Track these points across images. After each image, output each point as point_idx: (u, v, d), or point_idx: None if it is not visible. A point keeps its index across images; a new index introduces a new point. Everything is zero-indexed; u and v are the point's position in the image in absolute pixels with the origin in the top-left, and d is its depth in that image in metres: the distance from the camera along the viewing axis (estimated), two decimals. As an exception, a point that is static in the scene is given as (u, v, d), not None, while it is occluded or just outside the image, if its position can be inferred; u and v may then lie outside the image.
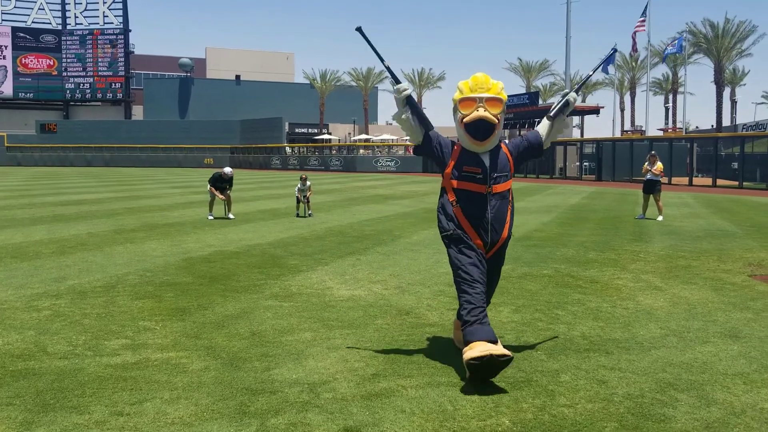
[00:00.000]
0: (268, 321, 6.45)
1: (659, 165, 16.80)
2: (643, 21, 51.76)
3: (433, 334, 6.08)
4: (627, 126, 72.81)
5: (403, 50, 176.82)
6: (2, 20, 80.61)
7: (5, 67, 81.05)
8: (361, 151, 64.91)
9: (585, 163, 45.65)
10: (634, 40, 51.95)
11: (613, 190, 31.39)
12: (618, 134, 64.66)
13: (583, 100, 75.54)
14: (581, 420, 4.13)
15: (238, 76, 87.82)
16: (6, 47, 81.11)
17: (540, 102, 57.32)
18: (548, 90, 79.54)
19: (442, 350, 5.55)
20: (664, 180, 36.56)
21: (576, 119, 68.24)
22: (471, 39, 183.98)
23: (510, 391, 4.62)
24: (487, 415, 4.19)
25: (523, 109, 52.09)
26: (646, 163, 17.16)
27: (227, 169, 16.52)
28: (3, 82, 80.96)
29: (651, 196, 16.94)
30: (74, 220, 15.59)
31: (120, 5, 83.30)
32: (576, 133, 69.25)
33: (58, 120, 79.86)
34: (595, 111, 55.52)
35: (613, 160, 41.34)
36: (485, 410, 4.27)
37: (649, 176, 16.94)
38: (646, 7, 51.20)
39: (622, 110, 75.18)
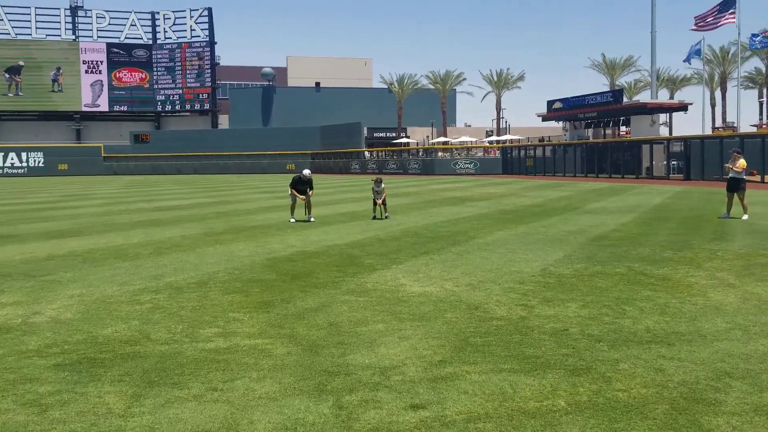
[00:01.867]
0: (344, 314, 6.93)
1: (742, 162, 16.34)
2: (733, 13, 49.64)
3: (500, 326, 6.39)
4: (718, 123, 69.89)
5: (483, 52, 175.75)
6: (98, 37, 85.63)
7: (101, 81, 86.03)
8: (440, 153, 65.14)
9: (673, 162, 44.26)
10: (701, 21, 49.24)
11: (701, 189, 30.42)
12: (708, 131, 62.25)
13: (671, 97, 73.10)
14: (634, 403, 4.38)
15: (318, 83, 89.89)
16: (102, 62, 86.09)
17: (624, 99, 55.94)
18: (633, 87, 77.29)
19: (507, 341, 5.86)
20: (757, 178, 35.22)
21: (663, 117, 66.01)
22: (552, 38, 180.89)
23: (569, 377, 4.90)
24: (544, 397, 4.50)
25: (607, 108, 51.02)
26: (729, 161, 16.73)
27: (306, 171, 17.23)
28: (99, 96, 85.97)
29: (735, 194, 16.50)
30: (168, 224, 16.68)
31: (206, 19, 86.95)
32: (663, 131, 67.01)
33: (150, 130, 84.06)
34: (683, 108, 53.69)
35: (702, 158, 39.91)
36: (543, 393, 4.58)
37: (732, 174, 16.51)
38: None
39: (713, 106, 72.18)
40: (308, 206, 17.08)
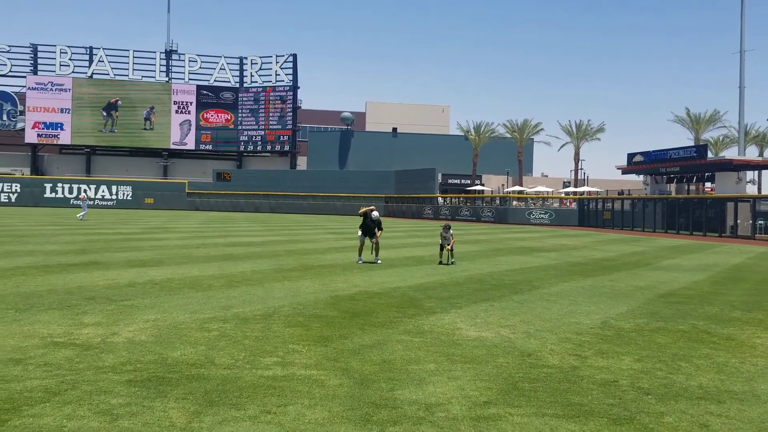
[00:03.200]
0: (398, 352, 7.17)
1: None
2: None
3: (549, 374, 6.47)
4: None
5: (563, 102, 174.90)
6: (189, 79, 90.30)
7: (189, 121, 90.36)
8: (514, 202, 64.76)
9: (759, 222, 42.53)
10: None
11: (785, 250, 29.13)
12: (799, 191, 59.48)
13: (760, 155, 70.50)
14: (673, 455, 4.41)
15: (395, 129, 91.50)
16: (191, 103, 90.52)
17: (709, 155, 54.39)
18: (720, 143, 74.98)
19: (555, 388, 5.95)
20: None
21: (751, 174, 63.68)
22: (635, 90, 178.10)
23: (610, 425, 4.97)
24: (582, 443, 4.60)
25: (690, 163, 49.71)
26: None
27: (375, 213, 17.61)
28: (187, 135, 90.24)
29: (817, 256, 15.84)
30: (241, 259, 17.39)
31: (291, 65, 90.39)
32: (751, 189, 64.50)
33: (232, 169, 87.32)
34: (771, 165, 51.77)
35: (790, 218, 38.25)
36: (582, 439, 4.67)
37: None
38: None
39: (805, 164, 69.03)
40: (376, 248, 17.47)
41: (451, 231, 17.84)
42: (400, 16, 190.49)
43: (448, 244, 17.64)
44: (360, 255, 17.51)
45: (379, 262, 17.23)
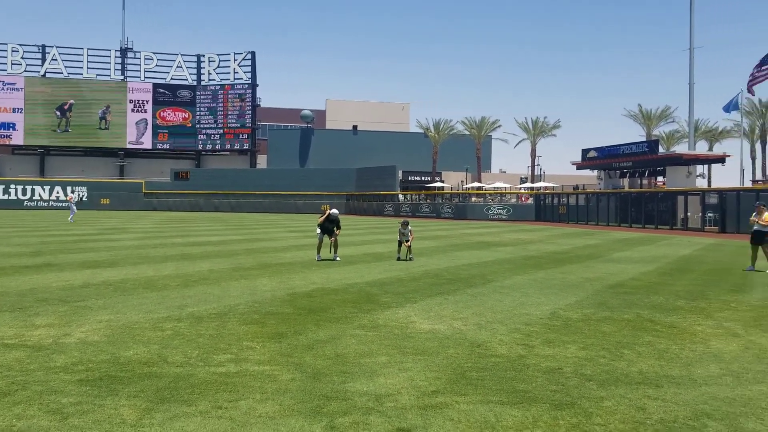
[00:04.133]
0: (351, 346, 7.30)
1: (767, 216, 16.36)
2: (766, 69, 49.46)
3: (497, 363, 6.67)
4: (758, 175, 68.98)
5: (519, 99, 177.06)
6: (145, 77, 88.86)
7: (146, 120, 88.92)
8: (473, 198, 65.45)
9: (709, 214, 43.82)
10: (752, 81, 49.48)
11: (734, 242, 30.09)
12: (747, 184, 61.46)
13: (710, 149, 72.54)
14: (609, 436, 4.64)
15: (355, 126, 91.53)
16: (147, 102, 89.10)
17: (661, 150, 55.75)
18: (671, 138, 76.93)
19: (501, 376, 6.15)
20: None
21: (700, 168, 65.46)
22: (588, 87, 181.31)
23: (552, 410, 5.18)
24: (524, 426, 4.80)
25: (642, 158, 50.93)
26: (754, 214, 16.77)
27: (334, 211, 17.68)
28: (144, 134, 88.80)
29: (760, 247, 16.48)
30: (199, 259, 17.30)
31: (249, 62, 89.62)
32: (701, 183, 66.32)
33: (191, 168, 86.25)
34: (721, 159, 53.28)
35: (738, 211, 39.46)
36: (524, 423, 4.87)
37: (756, 227, 16.52)
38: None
39: (753, 159, 71.38)
40: (335, 246, 17.56)
41: (410, 227, 18.03)
42: (360, 14, 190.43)
43: (407, 241, 17.83)
44: (319, 252, 17.57)
45: (337, 259, 17.32)
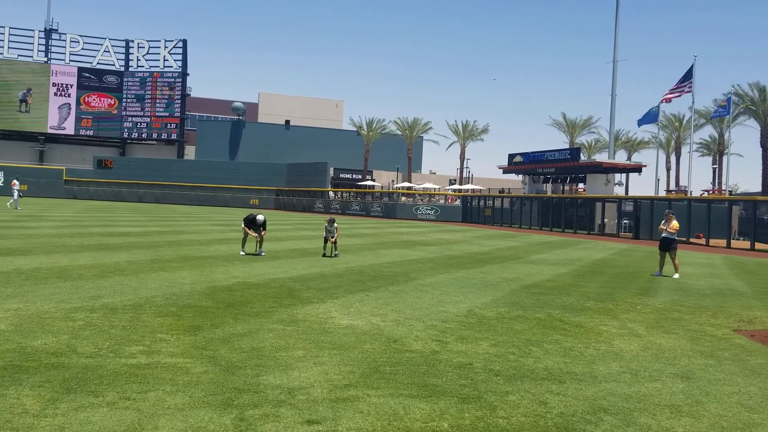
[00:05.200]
0: (268, 340, 7.31)
1: (675, 224, 17.24)
2: (690, 84, 51.99)
3: (411, 358, 6.83)
4: (672, 186, 72.40)
5: (450, 101, 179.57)
6: (70, 60, 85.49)
7: (69, 104, 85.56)
8: (403, 198, 66.04)
9: (624, 221, 45.70)
10: (671, 93, 51.93)
11: (645, 248, 31.50)
12: (662, 193, 64.36)
13: (629, 158, 75.56)
14: (511, 429, 4.86)
15: (287, 121, 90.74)
16: (71, 86, 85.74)
17: (582, 158, 57.73)
18: (592, 146, 79.78)
19: (414, 371, 6.31)
20: (702, 241, 36.66)
21: (619, 177, 68.22)
22: (518, 94, 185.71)
23: (458, 403, 5.36)
24: (431, 419, 4.95)
25: (565, 164, 52.65)
26: (663, 222, 17.62)
27: (260, 216, 17.33)
28: (66, 119, 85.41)
29: (667, 253, 17.33)
30: (117, 250, 16.84)
31: (180, 50, 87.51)
32: (619, 191, 69.06)
33: (115, 156, 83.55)
34: (638, 169, 55.67)
35: (652, 218, 41.29)
36: (431, 415, 5.03)
37: (664, 234, 17.37)
38: (690, 69, 51.62)
39: (668, 170, 74.82)
40: (260, 240, 17.42)
41: (336, 225, 18.08)
42: (296, 8, 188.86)
43: (332, 237, 17.87)
44: (243, 247, 17.41)
45: (262, 253, 17.20)
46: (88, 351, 6.42)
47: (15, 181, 42.73)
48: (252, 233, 17.20)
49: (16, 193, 41.21)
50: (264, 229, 17.46)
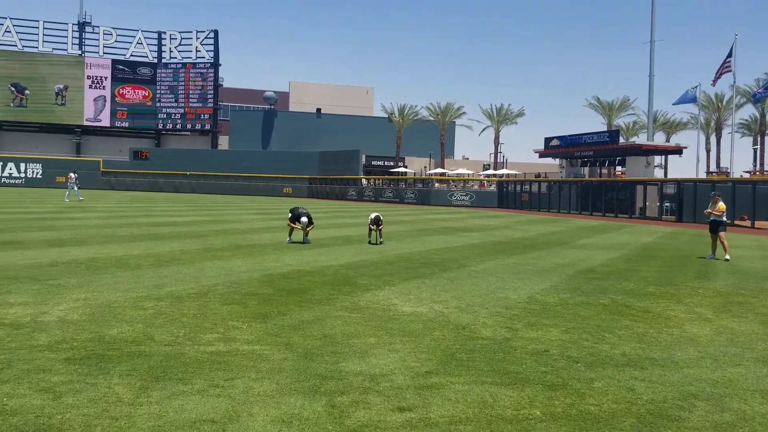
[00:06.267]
0: (338, 327, 7.30)
1: (721, 205, 16.95)
2: (729, 62, 50.78)
3: (484, 345, 6.76)
4: (712, 167, 70.94)
5: (483, 86, 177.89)
6: (104, 53, 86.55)
7: (104, 97, 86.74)
8: (436, 184, 65.76)
9: (666, 204, 44.90)
10: (717, 74, 50.76)
11: (692, 231, 30.94)
12: (702, 175, 63.14)
13: (667, 140, 74.15)
14: (604, 416, 4.76)
15: (319, 109, 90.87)
16: (106, 78, 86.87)
17: (621, 140, 56.78)
18: (630, 128, 78.38)
19: (490, 358, 6.23)
20: (747, 223, 35.85)
21: (658, 159, 66.95)
22: (552, 76, 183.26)
23: (545, 391, 5.28)
24: (521, 407, 4.88)
25: (603, 147, 51.83)
26: (710, 204, 17.33)
27: (303, 219, 17.02)
28: (102, 111, 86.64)
29: (717, 235, 17.00)
30: (167, 239, 17.03)
31: (212, 40, 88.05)
32: (658, 173, 67.87)
33: (150, 148, 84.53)
34: (678, 151, 54.53)
35: (695, 201, 40.52)
36: (521, 403, 4.96)
37: (712, 217, 17.06)
38: (732, 47, 50.36)
39: (708, 151, 73.31)
40: (306, 232, 17.40)
41: (381, 220, 17.90)
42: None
43: (378, 227, 17.78)
44: (290, 235, 17.46)
45: (308, 241, 17.23)
46: (166, 339, 6.47)
47: (72, 174, 43.45)
48: (297, 227, 17.16)
49: (76, 187, 42.04)
50: (311, 224, 17.34)
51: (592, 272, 13.15)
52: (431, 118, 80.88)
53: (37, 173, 76.33)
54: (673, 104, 54.86)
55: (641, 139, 71.75)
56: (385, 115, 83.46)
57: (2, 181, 75.04)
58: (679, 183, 42.97)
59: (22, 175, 76.02)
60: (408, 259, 14.33)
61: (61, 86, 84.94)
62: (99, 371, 5.35)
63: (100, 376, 5.21)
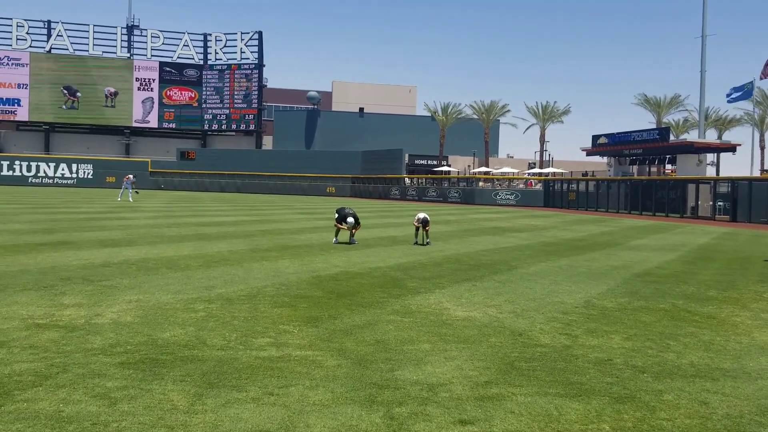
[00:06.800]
0: (390, 332, 7.13)
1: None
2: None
3: (544, 353, 6.50)
4: (766, 165, 68.56)
5: (528, 84, 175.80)
6: (151, 56, 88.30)
7: (152, 98, 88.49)
8: (481, 183, 65.15)
9: (719, 203, 43.53)
10: (766, 67, 48.75)
11: (748, 231, 29.89)
12: (756, 173, 61.06)
13: (719, 137, 72.00)
14: (678, 432, 4.47)
15: (361, 109, 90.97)
16: (153, 80, 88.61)
17: (671, 138, 55.32)
18: (681, 126, 76.30)
19: (552, 367, 5.98)
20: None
21: (710, 157, 65.02)
22: (599, 73, 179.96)
23: (613, 404, 5.01)
24: (589, 421, 4.63)
25: (653, 145, 50.58)
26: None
27: (350, 220, 16.90)
28: (150, 112, 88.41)
29: (783, 237, 16.27)
30: (215, 239, 17.13)
31: (256, 42, 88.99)
32: (710, 171, 65.94)
33: (196, 148, 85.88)
34: (732, 148, 52.80)
35: (750, 200, 39.20)
36: (588, 417, 4.71)
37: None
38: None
39: (762, 148, 70.86)
40: (353, 232, 17.30)
41: (428, 220, 17.68)
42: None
43: (425, 226, 17.58)
44: (336, 236, 17.39)
45: (355, 242, 17.13)
46: (218, 343, 6.40)
47: (129, 176, 44.28)
48: (344, 227, 17.06)
49: (131, 188, 42.72)
50: (357, 225, 17.22)
51: (648, 275, 12.71)
52: (475, 117, 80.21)
53: (88, 174, 78.29)
54: (727, 101, 52.93)
55: (692, 136, 69.89)
56: (428, 114, 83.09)
57: (55, 181, 77.17)
58: (734, 181, 41.58)
59: (74, 175, 78.08)
60: (456, 261, 14.10)
61: (111, 89, 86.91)
62: (153, 377, 5.29)
63: (155, 382, 5.15)
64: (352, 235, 17.27)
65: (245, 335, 6.76)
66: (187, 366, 5.61)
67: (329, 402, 4.83)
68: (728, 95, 52.92)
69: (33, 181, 76.53)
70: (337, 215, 17.31)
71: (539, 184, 61.68)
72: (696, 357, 6.53)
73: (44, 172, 77.58)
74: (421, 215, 17.64)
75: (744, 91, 53.32)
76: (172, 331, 6.86)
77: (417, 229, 17.82)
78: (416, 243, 17.58)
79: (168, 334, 6.73)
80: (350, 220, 16.88)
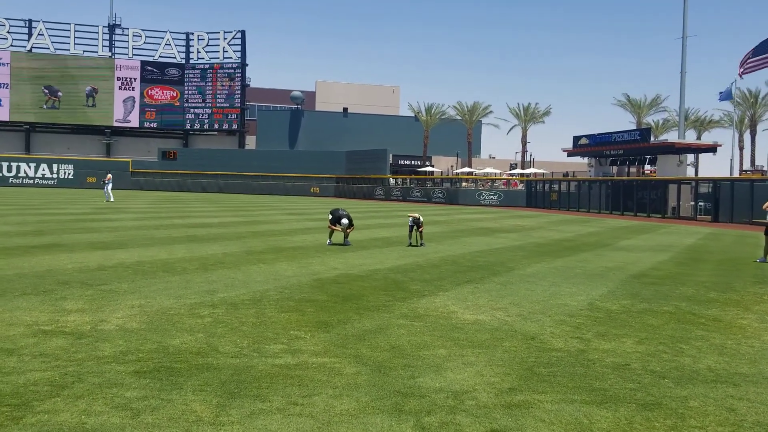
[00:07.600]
0: (403, 337, 7.05)
1: (782, 205, 16.35)
2: (765, 58, 49.47)
3: (560, 358, 6.46)
4: (746, 165, 69.46)
5: (510, 85, 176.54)
6: (133, 54, 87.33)
7: (133, 98, 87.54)
8: (464, 183, 65.27)
9: (700, 203, 43.97)
10: (741, 67, 49.24)
11: (731, 231, 30.19)
12: (736, 174, 61.80)
13: (698, 138, 72.80)
14: (713, 440, 4.43)
15: (345, 109, 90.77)
16: (135, 80, 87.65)
17: (652, 138, 55.78)
18: (659, 126, 77.08)
19: (571, 372, 5.94)
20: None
21: (691, 157, 65.68)
22: (580, 74, 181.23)
23: (641, 411, 4.97)
24: (619, 428, 4.59)
25: (634, 146, 50.96)
26: (765, 203, 16.77)
27: (344, 221, 16.81)
28: (131, 112, 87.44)
29: (771, 238, 16.42)
30: (207, 241, 16.92)
31: (239, 41, 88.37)
32: (690, 172, 66.64)
33: (178, 148, 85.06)
34: (712, 149, 53.33)
35: (732, 200, 39.63)
36: (619, 425, 4.66)
37: (770, 218, 16.51)
38: (766, 41, 49.06)
39: (741, 149, 71.79)
40: (347, 233, 17.20)
41: (421, 219, 17.64)
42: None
43: (419, 227, 17.52)
44: (330, 238, 17.26)
45: (348, 243, 17.02)
46: (231, 350, 6.27)
47: (110, 175, 43.57)
48: (338, 228, 16.97)
49: (109, 187, 41.96)
50: (351, 226, 17.13)
51: (645, 276, 12.75)
52: (458, 117, 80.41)
53: (69, 174, 77.26)
54: (719, 100, 53.49)
55: (671, 137, 70.58)
56: (412, 115, 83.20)
57: (35, 181, 76.07)
58: (716, 182, 42.03)
59: (55, 175, 77.00)
60: (453, 262, 14.05)
61: (92, 88, 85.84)
62: (171, 386, 5.16)
63: (174, 392, 5.02)
64: (346, 236, 17.17)
65: (257, 342, 6.64)
66: (204, 375, 5.48)
67: (356, 411, 4.73)
68: (719, 97, 53.57)
69: (13, 181, 75.35)
70: (330, 217, 17.21)
71: (522, 185, 61.93)
72: (712, 361, 6.52)
73: (25, 172, 76.40)
74: (415, 215, 17.60)
75: (728, 92, 53.96)
76: (181, 337, 6.72)
77: (411, 229, 17.75)
78: (410, 244, 17.51)
79: (178, 340, 6.59)
80: (344, 221, 16.79)
